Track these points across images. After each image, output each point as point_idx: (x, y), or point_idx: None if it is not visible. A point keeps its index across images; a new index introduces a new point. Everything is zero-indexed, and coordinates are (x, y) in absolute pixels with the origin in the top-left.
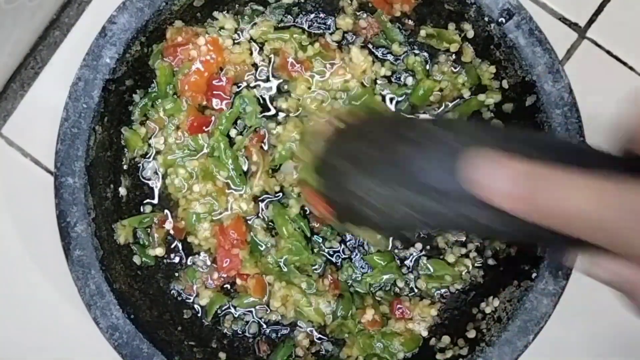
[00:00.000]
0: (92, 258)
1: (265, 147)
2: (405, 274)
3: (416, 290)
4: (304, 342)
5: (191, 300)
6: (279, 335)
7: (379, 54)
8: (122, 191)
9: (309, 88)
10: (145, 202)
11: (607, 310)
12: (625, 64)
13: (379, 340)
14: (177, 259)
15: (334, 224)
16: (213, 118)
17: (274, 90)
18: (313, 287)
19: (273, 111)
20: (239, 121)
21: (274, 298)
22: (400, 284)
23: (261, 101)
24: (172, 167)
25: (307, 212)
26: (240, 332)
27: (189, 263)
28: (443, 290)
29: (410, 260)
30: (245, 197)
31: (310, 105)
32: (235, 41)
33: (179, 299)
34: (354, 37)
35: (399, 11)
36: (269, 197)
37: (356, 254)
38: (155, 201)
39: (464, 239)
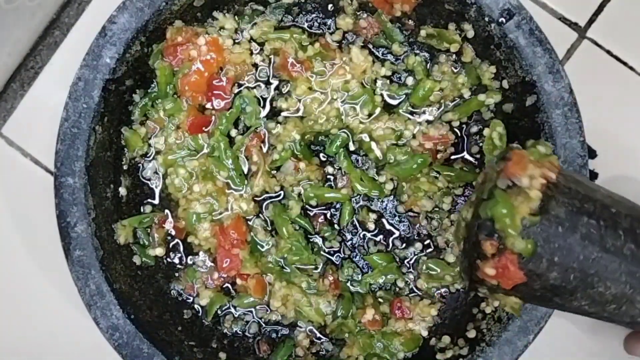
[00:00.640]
0: (92, 258)
1: (265, 147)
2: (405, 273)
3: (416, 290)
4: (304, 342)
5: (191, 300)
6: (279, 335)
7: (379, 54)
8: (122, 191)
9: (310, 88)
10: (145, 202)
11: None
12: (625, 64)
13: (379, 340)
14: (177, 259)
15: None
16: (213, 118)
17: (274, 91)
18: (313, 287)
19: (273, 111)
20: (239, 121)
21: (274, 298)
22: (401, 283)
23: (261, 101)
24: (172, 167)
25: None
26: (241, 332)
27: (189, 263)
28: (443, 290)
29: (410, 260)
30: (245, 197)
31: (311, 106)
32: (236, 41)
33: (179, 299)
34: (354, 37)
35: (399, 11)
36: (269, 197)
37: (356, 254)
38: (156, 201)
39: None
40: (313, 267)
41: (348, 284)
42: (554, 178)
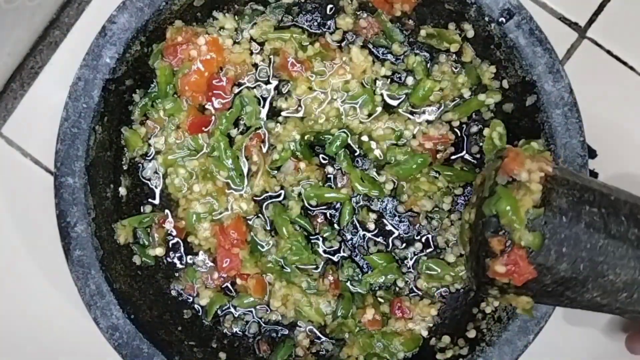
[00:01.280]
0: (92, 258)
1: (265, 147)
2: (405, 273)
3: (416, 290)
4: (304, 342)
5: (191, 300)
6: (279, 335)
7: (379, 54)
8: (122, 191)
9: (310, 88)
10: (145, 202)
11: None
12: (625, 63)
13: (379, 340)
14: (177, 259)
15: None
16: (213, 118)
17: (274, 91)
18: (313, 287)
19: (273, 111)
20: (239, 121)
21: (274, 298)
22: (401, 283)
23: (261, 101)
24: (172, 167)
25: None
26: (241, 332)
27: (189, 263)
28: (443, 290)
29: (410, 260)
30: (245, 197)
31: (311, 106)
32: (236, 41)
33: (179, 299)
34: (354, 36)
35: (399, 11)
36: (269, 197)
37: (356, 254)
38: (156, 201)
39: None
40: (313, 267)
41: (348, 283)
42: (551, 171)
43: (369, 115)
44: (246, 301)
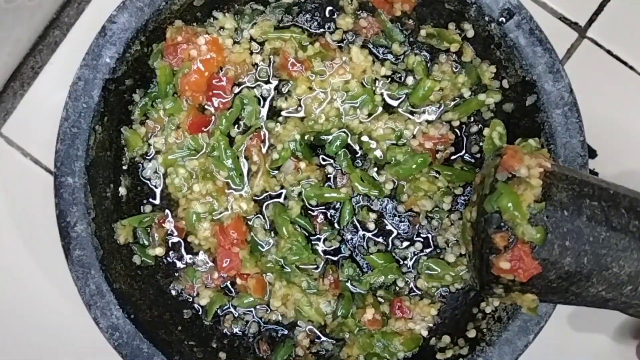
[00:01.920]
0: (92, 258)
1: (265, 147)
2: (405, 273)
3: (416, 290)
4: (304, 341)
5: (191, 300)
6: (279, 335)
7: (379, 54)
8: (122, 191)
9: (310, 88)
10: (145, 201)
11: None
12: (625, 63)
13: (379, 339)
14: (177, 259)
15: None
16: (213, 118)
17: (274, 90)
18: (313, 286)
19: (273, 111)
20: (239, 121)
21: (274, 297)
22: (401, 283)
23: (261, 101)
24: (172, 167)
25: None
26: (241, 332)
27: (189, 263)
28: (443, 290)
29: (410, 260)
30: (245, 197)
31: (311, 105)
32: (236, 41)
33: (179, 298)
34: (354, 36)
35: (399, 11)
36: (269, 197)
37: (356, 254)
38: (156, 201)
39: None
40: (313, 267)
41: (348, 283)
42: (549, 167)
43: (369, 115)
44: (246, 301)
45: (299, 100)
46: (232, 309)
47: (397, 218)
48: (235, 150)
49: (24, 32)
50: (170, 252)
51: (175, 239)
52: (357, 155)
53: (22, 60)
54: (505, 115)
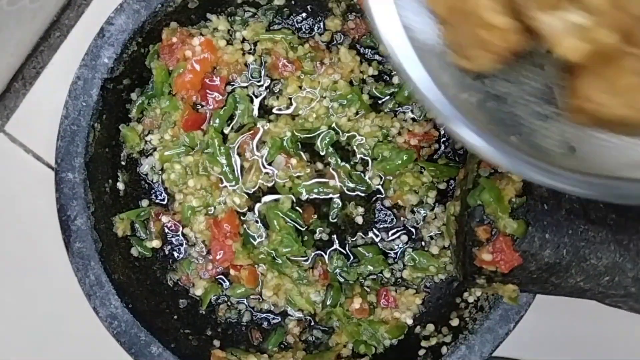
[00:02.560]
0: (92, 250)
1: (255, 143)
2: (391, 264)
3: (402, 281)
4: (295, 329)
5: (187, 290)
6: (270, 323)
7: (367, 54)
8: (120, 186)
9: (300, 87)
10: (142, 196)
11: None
12: None
13: (366, 327)
14: (173, 251)
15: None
16: (207, 116)
17: (266, 89)
18: (303, 277)
19: (265, 109)
20: (232, 119)
21: (266, 288)
22: (387, 274)
23: (253, 99)
24: (168, 163)
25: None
26: (234, 321)
27: (184, 254)
28: (427, 281)
29: (396, 252)
30: (238, 192)
31: (301, 104)
32: (229, 42)
33: (175, 289)
34: (343, 37)
35: None
36: (261, 192)
37: (345, 246)
38: (153, 195)
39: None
40: (303, 258)
41: (337, 274)
42: None
43: (357, 113)
44: (239, 291)
45: (290, 99)
46: (225, 299)
47: (383, 212)
48: (228, 147)
49: (26, 33)
50: (167, 245)
51: (172, 232)
52: (345, 152)
53: (24, 60)
54: None
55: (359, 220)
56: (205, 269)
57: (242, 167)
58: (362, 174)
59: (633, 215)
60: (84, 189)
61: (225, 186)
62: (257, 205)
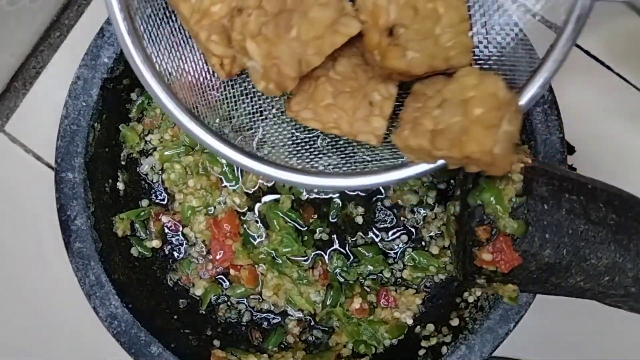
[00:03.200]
0: (92, 250)
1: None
2: (391, 264)
3: (402, 281)
4: (295, 329)
5: (187, 290)
6: (270, 323)
7: None
8: (120, 186)
9: None
10: (142, 196)
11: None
12: (602, 63)
13: (366, 327)
14: (173, 251)
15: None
16: None
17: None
18: (303, 277)
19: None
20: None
21: (266, 287)
22: (387, 274)
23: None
24: (168, 163)
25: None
26: (234, 321)
27: (184, 254)
28: (427, 280)
29: (396, 252)
30: (238, 192)
31: None
32: None
33: (175, 288)
34: None
35: None
36: (261, 192)
37: (344, 246)
38: (153, 195)
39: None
40: (303, 258)
41: (337, 274)
42: (530, 162)
43: None
44: (239, 291)
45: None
46: (225, 299)
47: (383, 212)
48: None
49: (26, 33)
50: (167, 244)
51: (172, 232)
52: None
53: (24, 60)
54: None
55: (359, 220)
56: (205, 269)
57: None
58: None
59: (633, 215)
60: (84, 188)
61: (225, 186)
62: (257, 205)
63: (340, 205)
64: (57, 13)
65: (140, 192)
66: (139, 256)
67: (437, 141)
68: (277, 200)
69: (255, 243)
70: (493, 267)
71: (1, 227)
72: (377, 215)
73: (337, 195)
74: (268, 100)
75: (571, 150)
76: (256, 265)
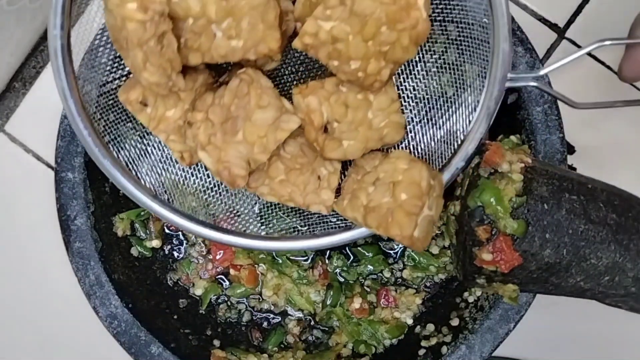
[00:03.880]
0: (92, 250)
1: None
2: (391, 264)
3: (402, 280)
4: (295, 329)
5: (187, 290)
6: (270, 323)
7: None
8: None
9: None
10: None
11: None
12: (602, 62)
13: (366, 327)
14: (173, 251)
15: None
16: None
17: None
18: (303, 277)
19: None
20: None
21: (266, 287)
22: (387, 274)
23: None
24: None
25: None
26: (234, 321)
27: (184, 254)
28: (427, 280)
29: (396, 252)
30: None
31: None
32: None
33: (175, 288)
34: None
35: None
36: None
37: (345, 246)
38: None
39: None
40: (303, 258)
41: (337, 274)
42: (530, 162)
43: None
44: (239, 291)
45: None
46: (225, 299)
47: None
48: None
49: (25, 33)
50: (167, 244)
51: (172, 232)
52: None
53: (24, 60)
54: None
55: None
56: (205, 269)
57: None
58: None
59: (633, 215)
60: (83, 188)
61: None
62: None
63: None
64: None
65: None
66: (139, 256)
67: (368, 218)
68: None
69: None
70: (493, 267)
71: (1, 227)
72: None
73: None
74: None
75: (571, 150)
76: (256, 265)
